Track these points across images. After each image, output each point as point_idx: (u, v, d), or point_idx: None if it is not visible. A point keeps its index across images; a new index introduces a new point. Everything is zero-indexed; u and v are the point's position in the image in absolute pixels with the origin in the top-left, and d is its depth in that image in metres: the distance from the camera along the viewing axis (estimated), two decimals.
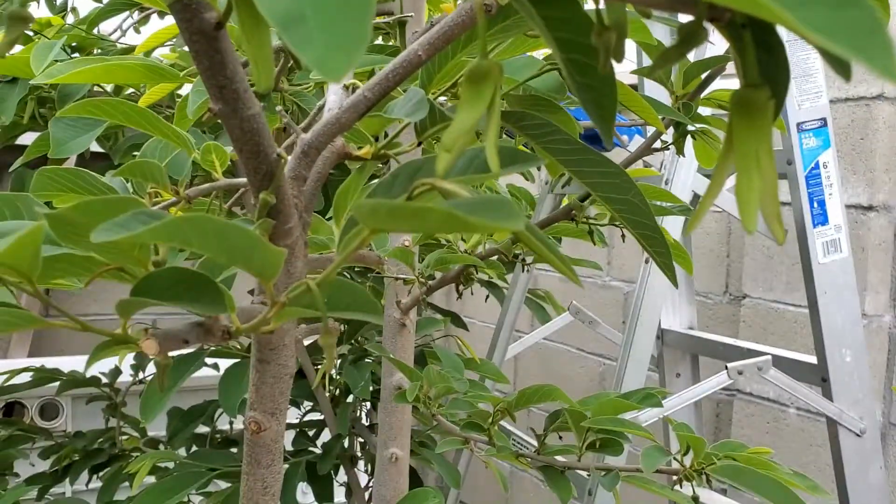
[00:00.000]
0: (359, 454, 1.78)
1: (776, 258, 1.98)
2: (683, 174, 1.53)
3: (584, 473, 1.54)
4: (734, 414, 2.13)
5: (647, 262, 1.59)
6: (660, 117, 0.77)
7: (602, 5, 0.28)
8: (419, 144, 0.53)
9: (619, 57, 0.29)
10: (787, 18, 0.19)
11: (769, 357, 1.49)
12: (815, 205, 1.49)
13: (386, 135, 0.56)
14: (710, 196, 0.28)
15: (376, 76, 0.45)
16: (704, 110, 0.88)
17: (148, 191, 0.52)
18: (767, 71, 0.28)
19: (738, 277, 2.16)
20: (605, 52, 0.26)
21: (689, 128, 0.86)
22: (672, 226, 1.52)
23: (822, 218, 1.50)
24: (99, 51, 1.40)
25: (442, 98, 0.68)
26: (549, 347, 2.67)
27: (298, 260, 0.48)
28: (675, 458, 0.89)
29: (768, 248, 2.00)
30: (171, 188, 0.52)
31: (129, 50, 1.34)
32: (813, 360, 1.58)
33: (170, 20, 1.32)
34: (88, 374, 1.89)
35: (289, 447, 1.70)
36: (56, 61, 0.90)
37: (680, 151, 0.87)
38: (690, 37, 0.26)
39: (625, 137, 1.62)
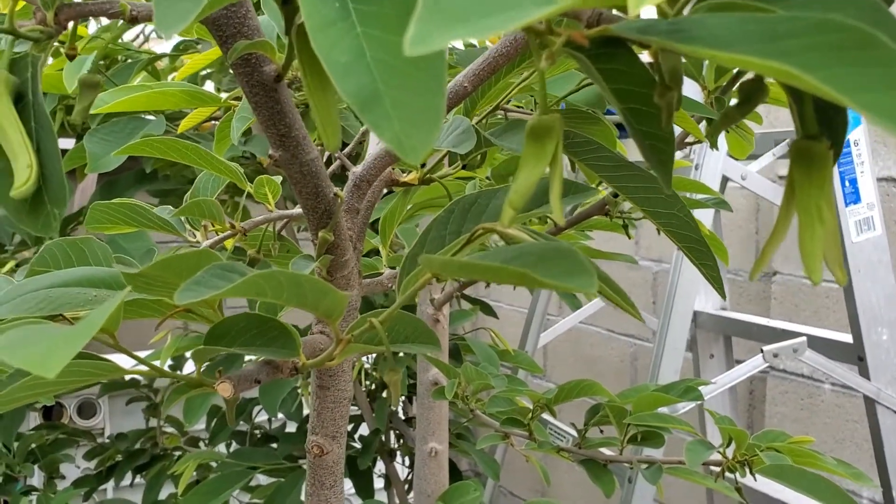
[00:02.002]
0: (396, 448, 1.80)
1: None
2: (713, 159, 1.52)
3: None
4: (768, 391, 2.13)
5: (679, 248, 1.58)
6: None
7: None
8: (463, 167, 0.54)
9: (678, 108, 0.29)
10: (853, 103, 0.20)
11: (804, 339, 1.48)
12: (847, 183, 1.48)
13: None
14: (774, 243, 0.28)
15: None
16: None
17: (203, 224, 0.54)
18: (825, 118, 0.28)
19: None
20: (667, 110, 0.27)
21: None
22: (703, 213, 1.51)
23: (854, 196, 1.49)
24: (124, 58, 1.41)
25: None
26: (579, 329, 2.67)
27: (354, 289, 0.49)
28: (717, 451, 0.90)
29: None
30: (227, 221, 0.53)
31: (154, 58, 1.35)
32: (848, 338, 1.57)
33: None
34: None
35: None
36: None
37: (714, 146, 0.87)
38: (752, 95, 0.27)
39: None
